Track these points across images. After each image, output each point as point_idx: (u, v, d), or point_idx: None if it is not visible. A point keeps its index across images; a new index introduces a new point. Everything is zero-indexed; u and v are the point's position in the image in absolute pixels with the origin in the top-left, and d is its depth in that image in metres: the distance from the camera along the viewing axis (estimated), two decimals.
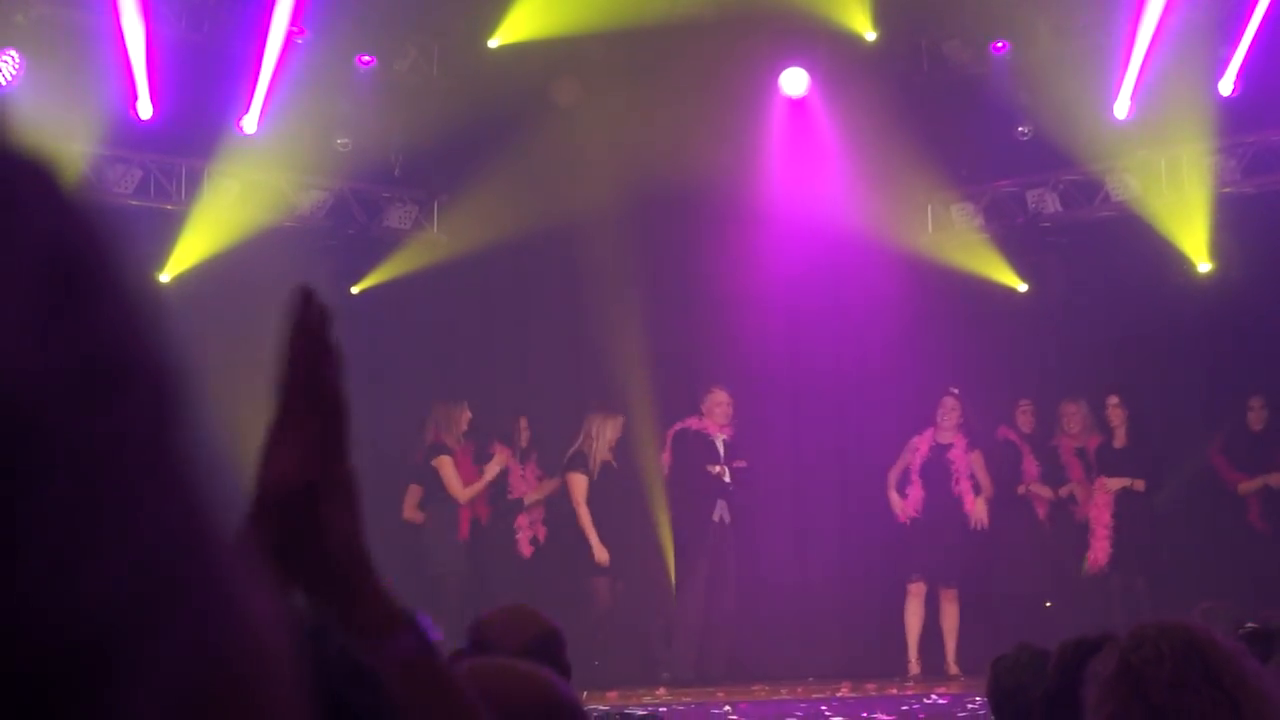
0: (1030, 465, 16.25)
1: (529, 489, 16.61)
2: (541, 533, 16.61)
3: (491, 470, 16.24)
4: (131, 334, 0.97)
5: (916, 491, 16.10)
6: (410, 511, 16.32)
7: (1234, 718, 3.08)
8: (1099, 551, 15.76)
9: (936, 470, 16.12)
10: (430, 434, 16.33)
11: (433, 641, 1.85)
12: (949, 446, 16.17)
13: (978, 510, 16.00)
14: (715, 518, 16.28)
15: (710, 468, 16.29)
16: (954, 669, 15.90)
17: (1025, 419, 16.41)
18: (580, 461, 16.28)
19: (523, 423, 16.66)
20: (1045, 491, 16.23)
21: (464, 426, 16.29)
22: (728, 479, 16.30)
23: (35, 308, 0.89)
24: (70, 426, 0.88)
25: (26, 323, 0.88)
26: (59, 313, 0.90)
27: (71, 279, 0.93)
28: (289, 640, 0.98)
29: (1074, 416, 16.14)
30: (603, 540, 16.10)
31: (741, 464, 16.41)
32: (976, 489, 16.05)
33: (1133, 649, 3.22)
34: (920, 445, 16.20)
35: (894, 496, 16.17)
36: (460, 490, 16.08)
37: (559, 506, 16.58)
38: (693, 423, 16.48)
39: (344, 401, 1.78)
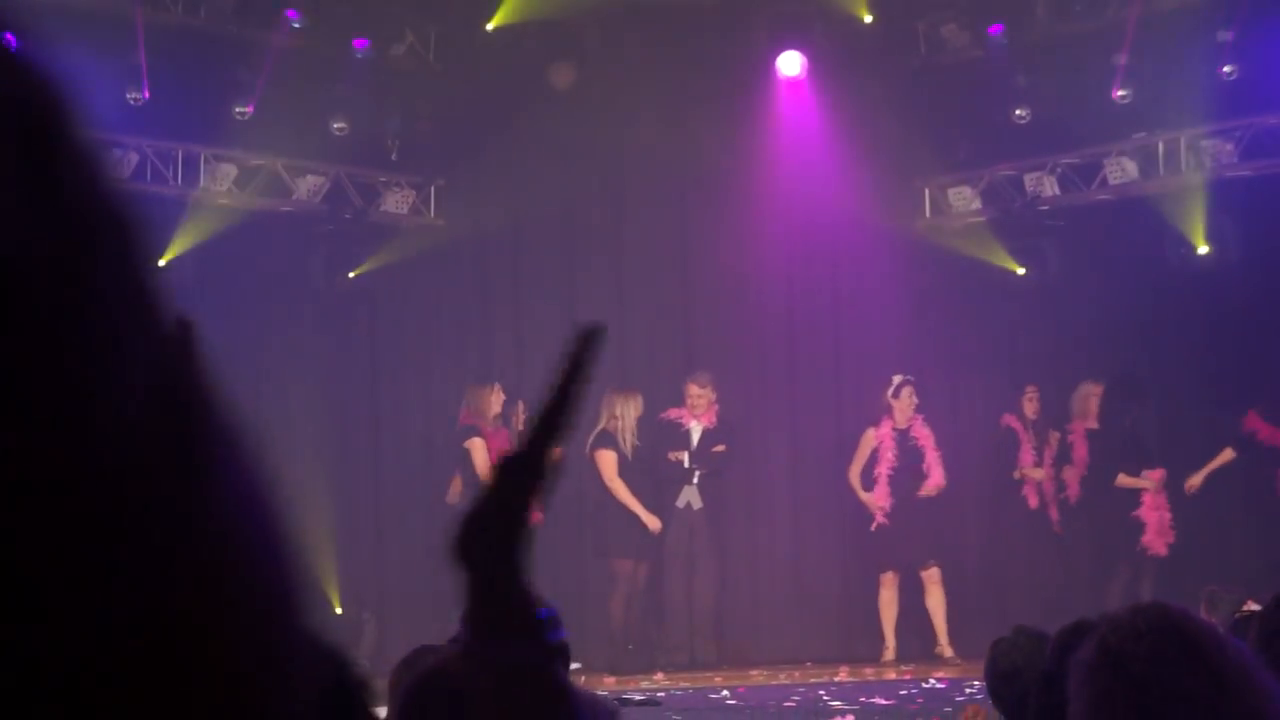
0: (1027, 452, 16.24)
1: None
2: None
3: None
4: (97, 189, 0.97)
5: (883, 486, 16.12)
6: (455, 496, 16.27)
7: (1214, 688, 3.07)
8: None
9: (902, 457, 16.15)
10: (462, 416, 16.23)
11: (552, 655, 1.82)
12: (908, 429, 16.19)
13: (935, 479, 16.06)
14: (681, 504, 16.26)
15: (672, 455, 16.26)
16: (948, 651, 15.91)
17: (1031, 405, 16.39)
18: (608, 440, 16.20)
19: (521, 406, 16.59)
20: (1038, 474, 16.22)
21: (496, 408, 16.15)
22: (688, 465, 16.26)
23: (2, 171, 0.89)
24: (48, 284, 0.87)
25: None
26: (26, 174, 0.91)
27: (34, 140, 0.95)
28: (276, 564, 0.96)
29: (1091, 399, 16.10)
30: (626, 522, 16.06)
31: (720, 449, 16.37)
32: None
33: (1110, 631, 3.22)
34: (881, 437, 16.19)
35: (865, 496, 16.18)
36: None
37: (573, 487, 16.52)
38: (671, 412, 16.45)
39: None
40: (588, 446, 16.21)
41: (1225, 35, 15.76)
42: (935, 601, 16.14)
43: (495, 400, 16.14)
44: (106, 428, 0.86)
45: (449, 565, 1.77)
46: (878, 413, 16.30)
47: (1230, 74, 15.69)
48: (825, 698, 13.36)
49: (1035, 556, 16.23)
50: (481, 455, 15.87)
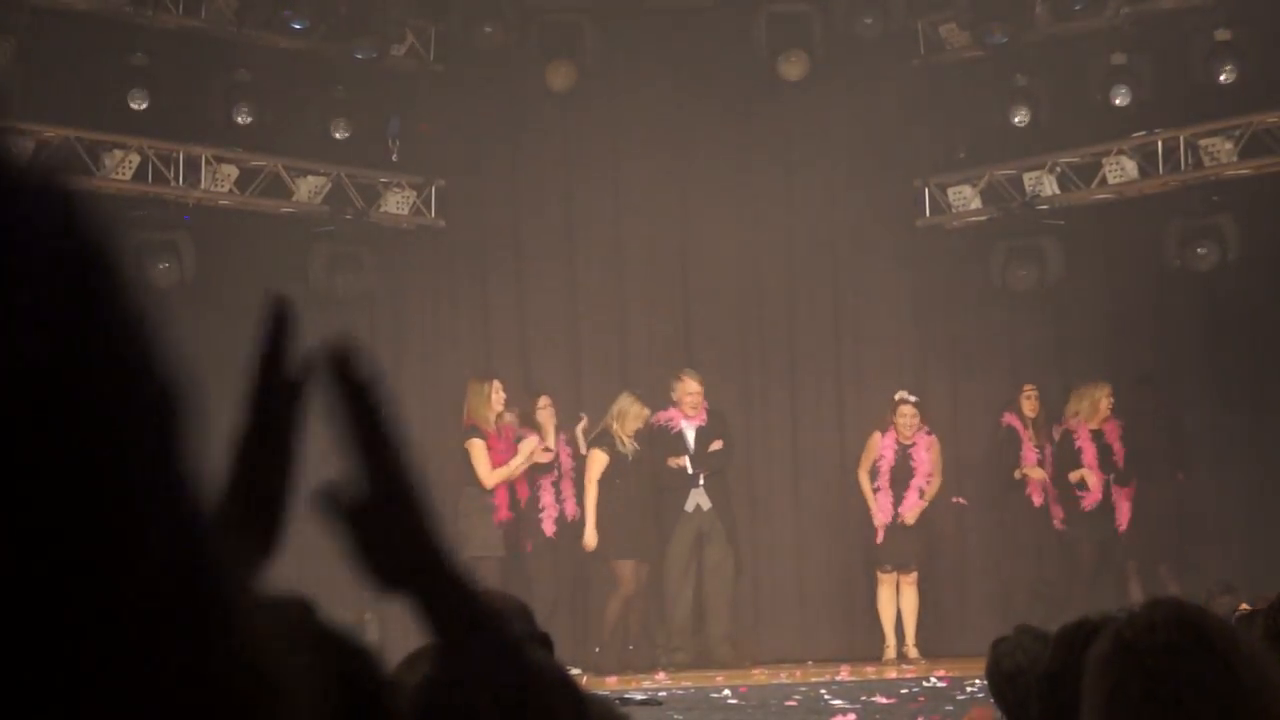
0: (1029, 451, 16.25)
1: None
2: (571, 509, 16.40)
3: (524, 452, 16.03)
4: (137, 339, 0.99)
5: (885, 495, 16.18)
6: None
7: (1228, 681, 3.09)
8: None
9: (898, 471, 16.20)
10: (465, 416, 16.25)
11: (515, 644, 1.81)
12: (911, 446, 16.24)
13: (909, 509, 16.12)
14: (690, 508, 16.26)
15: (673, 462, 16.24)
16: (913, 652, 16.07)
17: (1030, 404, 16.39)
18: (604, 439, 16.21)
19: (543, 401, 16.48)
20: (1038, 474, 16.24)
21: (498, 406, 16.09)
22: (691, 470, 16.26)
23: (45, 307, 0.91)
24: (70, 428, 0.90)
25: (38, 320, 0.90)
26: (68, 313, 0.92)
27: (80, 283, 0.95)
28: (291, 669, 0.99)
29: (1103, 400, 16.09)
30: (628, 524, 16.01)
31: (717, 445, 16.37)
32: (921, 492, 16.18)
33: (1126, 625, 3.24)
34: (885, 450, 16.23)
35: (870, 499, 16.19)
36: (488, 474, 15.84)
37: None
38: (661, 415, 16.42)
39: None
40: (586, 443, 16.25)
41: (1224, 34, 15.79)
42: (908, 604, 16.25)
43: (495, 399, 16.08)
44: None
45: (382, 597, 1.78)
46: (885, 418, 16.31)
47: (1229, 73, 15.71)
48: (826, 696, 13.37)
49: (1040, 555, 16.24)
50: (480, 456, 15.82)
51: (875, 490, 16.23)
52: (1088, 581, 15.80)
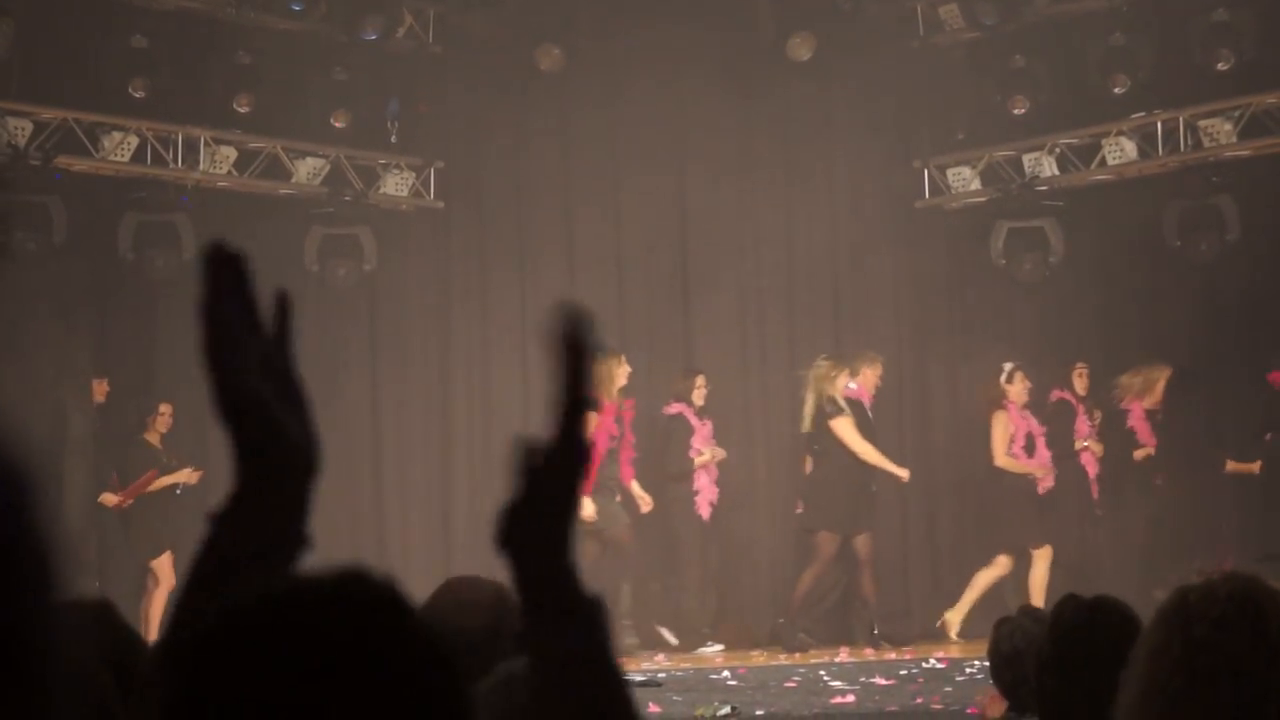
0: (1083, 424, 16.19)
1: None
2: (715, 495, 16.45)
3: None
4: None
5: (1041, 454, 16.11)
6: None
7: (1269, 666, 3.08)
8: None
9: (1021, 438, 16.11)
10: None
11: (605, 640, 1.81)
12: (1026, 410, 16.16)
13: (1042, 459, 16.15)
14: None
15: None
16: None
17: (1081, 381, 16.33)
18: (836, 407, 16.09)
19: (699, 380, 16.46)
20: (1099, 447, 16.17)
21: (621, 380, 16.05)
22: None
23: None
24: None
25: None
26: None
27: None
28: None
29: (1159, 381, 16.07)
30: (836, 496, 15.93)
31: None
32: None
33: (1194, 588, 3.24)
34: (1018, 423, 15.99)
35: (1029, 464, 15.99)
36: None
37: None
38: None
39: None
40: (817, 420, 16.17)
41: (1223, 15, 15.78)
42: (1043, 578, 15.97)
43: (620, 372, 16.07)
44: None
45: (497, 555, 1.80)
46: (996, 392, 16.09)
47: (1228, 54, 15.70)
48: (826, 678, 13.39)
49: (1083, 531, 16.15)
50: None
51: (1015, 458, 16.03)
52: (1136, 560, 15.68)
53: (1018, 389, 15.96)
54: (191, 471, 15.71)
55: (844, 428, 15.83)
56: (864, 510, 15.92)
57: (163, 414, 15.77)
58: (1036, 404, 16.18)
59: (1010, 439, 15.95)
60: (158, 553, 15.52)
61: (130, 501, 15.58)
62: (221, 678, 1.47)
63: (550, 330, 1.81)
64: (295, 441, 1.85)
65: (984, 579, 15.94)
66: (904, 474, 15.98)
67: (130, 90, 15.79)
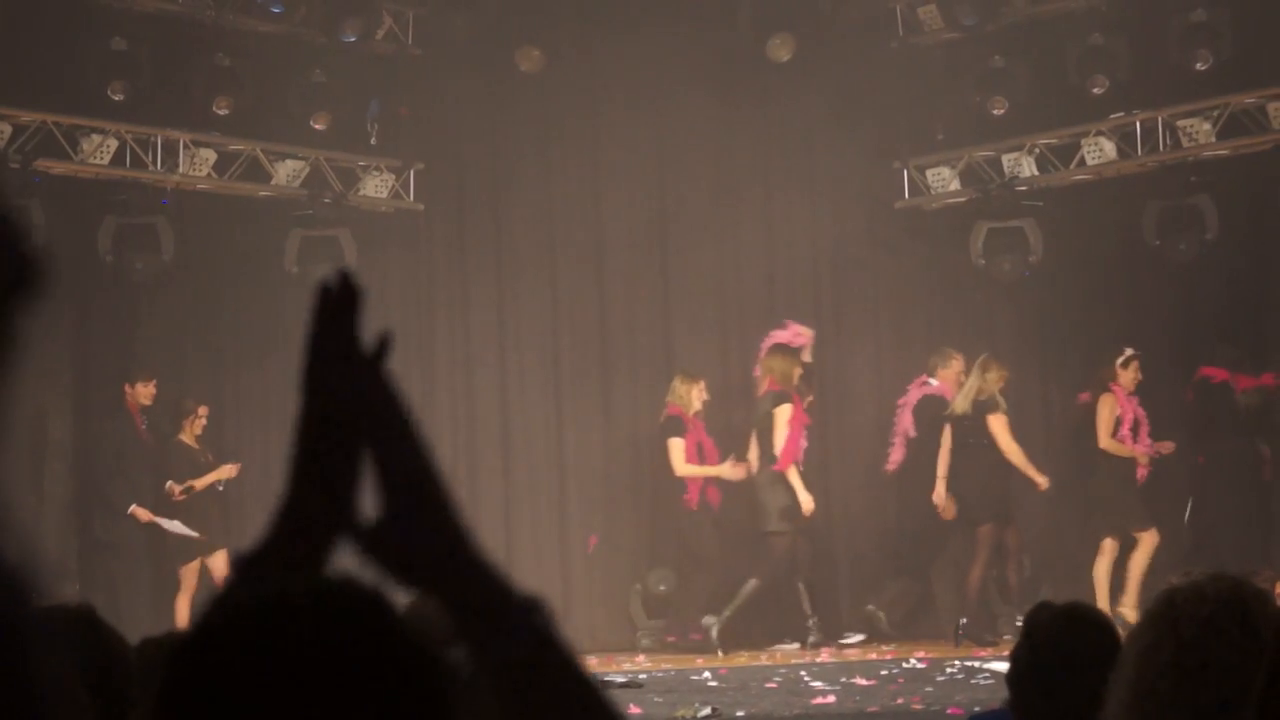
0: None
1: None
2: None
3: (720, 470, 16.18)
4: None
5: (1144, 441, 16.01)
6: (682, 468, 16.35)
7: (1256, 666, 3.09)
8: None
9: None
10: (767, 381, 16.14)
11: (551, 635, 1.79)
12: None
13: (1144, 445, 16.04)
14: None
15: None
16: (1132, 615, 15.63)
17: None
18: (992, 403, 16.06)
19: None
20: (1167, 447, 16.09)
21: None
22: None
23: None
24: None
25: None
26: None
27: None
28: None
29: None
30: (991, 487, 15.92)
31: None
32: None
33: (1181, 589, 3.25)
34: (1125, 407, 15.91)
35: (1135, 449, 15.84)
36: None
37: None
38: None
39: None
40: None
41: (1201, 15, 15.81)
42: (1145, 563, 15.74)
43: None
44: None
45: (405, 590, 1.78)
46: (1104, 376, 16.05)
47: (1206, 54, 15.74)
48: (807, 678, 13.40)
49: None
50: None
51: (1121, 440, 15.90)
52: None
53: (1130, 375, 15.95)
54: (230, 467, 15.97)
55: (1002, 425, 15.83)
56: (1012, 502, 15.99)
57: (200, 416, 15.90)
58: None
59: (1117, 422, 15.93)
60: (190, 558, 15.60)
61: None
62: (205, 685, 1.48)
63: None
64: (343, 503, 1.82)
65: (1102, 570, 15.87)
66: (1043, 481, 15.94)
67: (109, 93, 15.76)
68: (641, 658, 15.70)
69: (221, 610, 1.54)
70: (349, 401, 1.78)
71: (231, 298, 16.60)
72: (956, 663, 13.89)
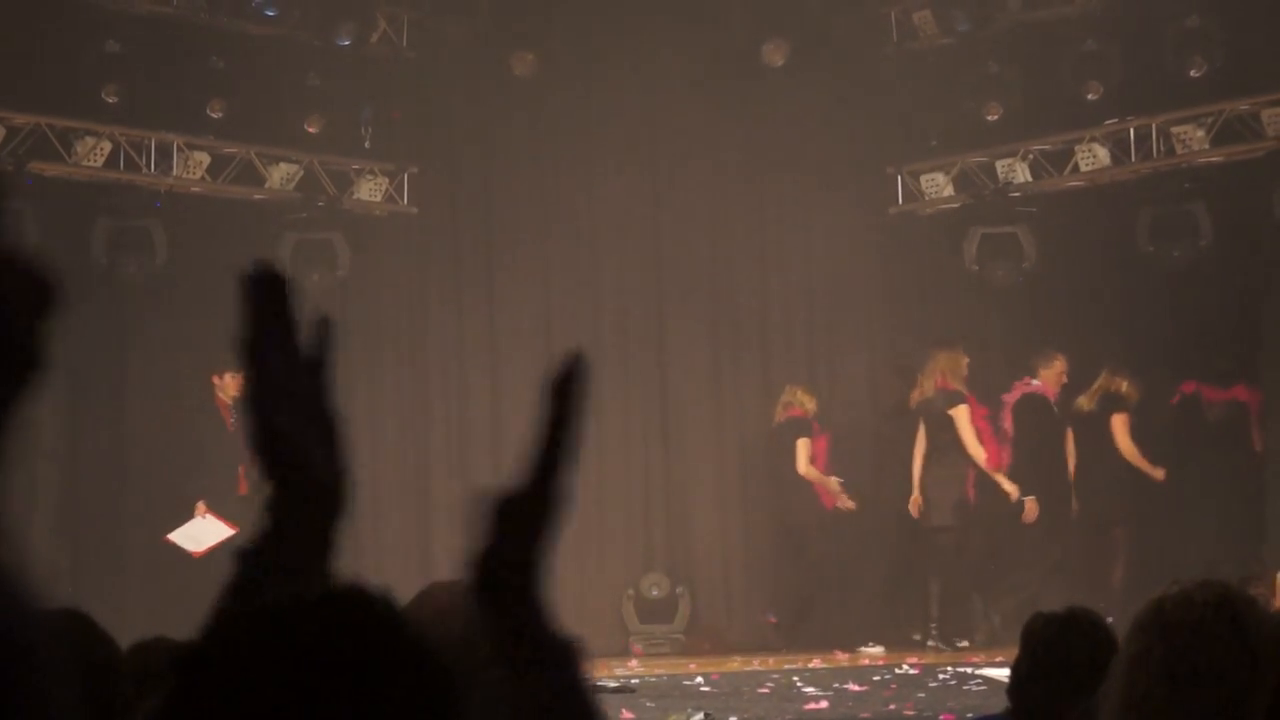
0: None
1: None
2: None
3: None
4: None
5: None
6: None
7: (1249, 672, 3.09)
8: None
9: None
10: (937, 380, 16.03)
11: (585, 682, 1.81)
12: None
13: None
14: None
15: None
16: None
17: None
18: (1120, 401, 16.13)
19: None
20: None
21: (964, 372, 16.06)
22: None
23: None
24: None
25: None
26: None
27: None
28: None
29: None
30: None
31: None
32: None
33: (1169, 597, 3.25)
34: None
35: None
36: (977, 448, 15.83)
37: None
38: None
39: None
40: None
41: (1195, 22, 15.81)
42: None
43: (963, 364, 16.02)
44: None
45: (473, 605, 1.79)
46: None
47: (1200, 61, 15.74)
48: (799, 684, 13.39)
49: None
50: (967, 423, 15.78)
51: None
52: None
53: (1053, 375, 16.10)
54: None
55: (1124, 425, 15.83)
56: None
57: None
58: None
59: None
60: None
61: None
62: (212, 695, 1.47)
63: (548, 376, 1.80)
64: (324, 482, 1.84)
65: None
66: (1159, 475, 15.83)
67: (103, 95, 15.75)
68: (634, 662, 15.68)
69: (229, 618, 1.54)
70: (289, 390, 1.80)
71: (225, 301, 16.54)
72: (949, 669, 13.87)
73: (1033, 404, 16.20)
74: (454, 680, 1.54)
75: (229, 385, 15.61)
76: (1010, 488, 15.73)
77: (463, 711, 1.54)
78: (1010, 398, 16.34)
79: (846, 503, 16.38)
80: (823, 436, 16.49)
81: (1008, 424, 16.27)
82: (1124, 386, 15.81)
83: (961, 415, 15.78)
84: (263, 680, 1.46)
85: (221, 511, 15.26)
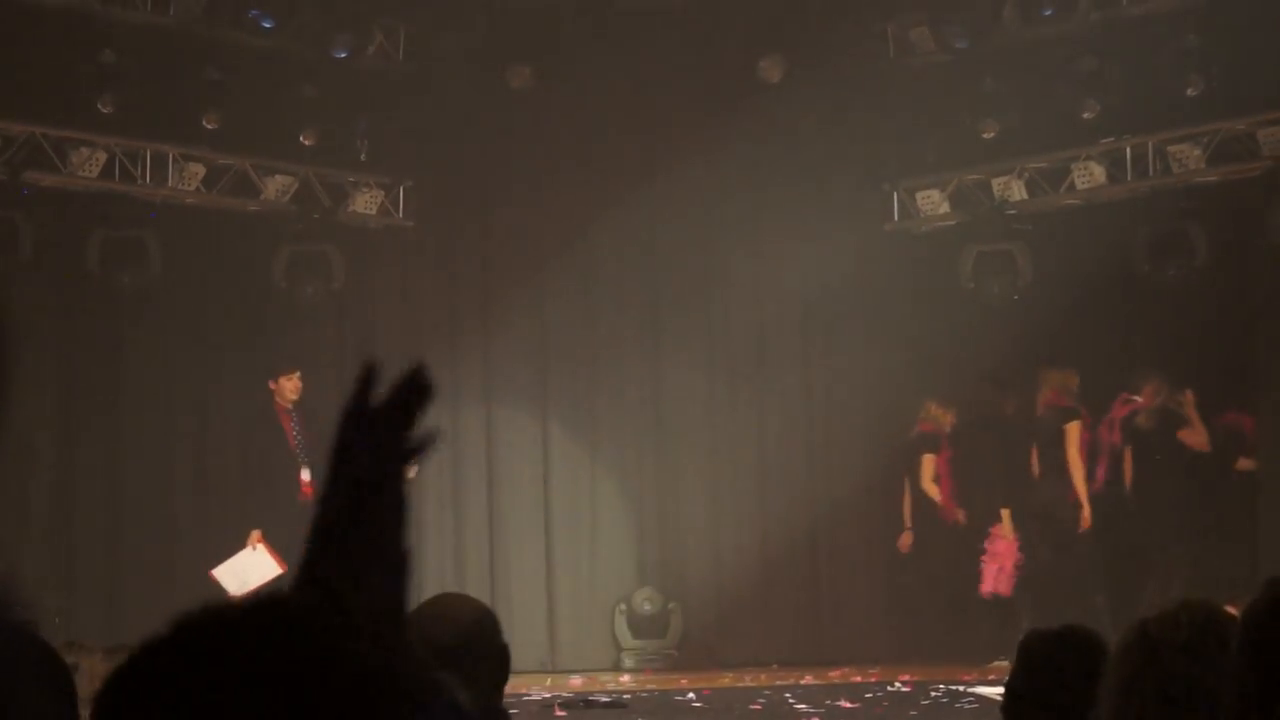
0: None
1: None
2: None
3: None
4: None
5: None
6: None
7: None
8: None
9: None
10: (1049, 396, 15.89)
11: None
12: None
13: None
14: None
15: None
16: None
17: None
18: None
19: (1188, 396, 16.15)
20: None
21: (1075, 392, 15.93)
22: None
23: None
24: None
25: None
26: None
27: None
28: None
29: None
30: None
31: None
32: None
33: (1153, 619, 3.24)
34: None
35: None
36: (1078, 463, 15.63)
37: None
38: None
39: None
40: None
41: (1193, 41, 15.82)
42: None
43: (1074, 383, 15.90)
44: None
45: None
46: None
47: (1197, 80, 15.74)
48: (791, 701, 13.38)
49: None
50: (1076, 439, 15.62)
51: None
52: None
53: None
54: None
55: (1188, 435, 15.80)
56: None
57: None
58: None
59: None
60: None
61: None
62: (136, 706, 1.47)
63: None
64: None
65: None
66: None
67: (99, 106, 15.72)
68: (626, 678, 15.66)
69: (157, 635, 1.54)
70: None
71: (219, 312, 16.56)
72: (941, 686, 13.86)
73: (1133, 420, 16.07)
74: (389, 691, 1.53)
75: (285, 389, 15.43)
76: (1086, 512, 15.62)
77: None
78: (1114, 416, 16.14)
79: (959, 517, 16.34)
80: (945, 454, 16.43)
81: (1117, 438, 16.11)
82: (1180, 403, 15.77)
83: (1074, 431, 15.65)
84: (189, 688, 1.46)
85: (239, 525, 15.03)
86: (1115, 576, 15.42)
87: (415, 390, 1.80)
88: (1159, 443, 15.65)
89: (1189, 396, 15.61)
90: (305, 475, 15.10)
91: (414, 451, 1.80)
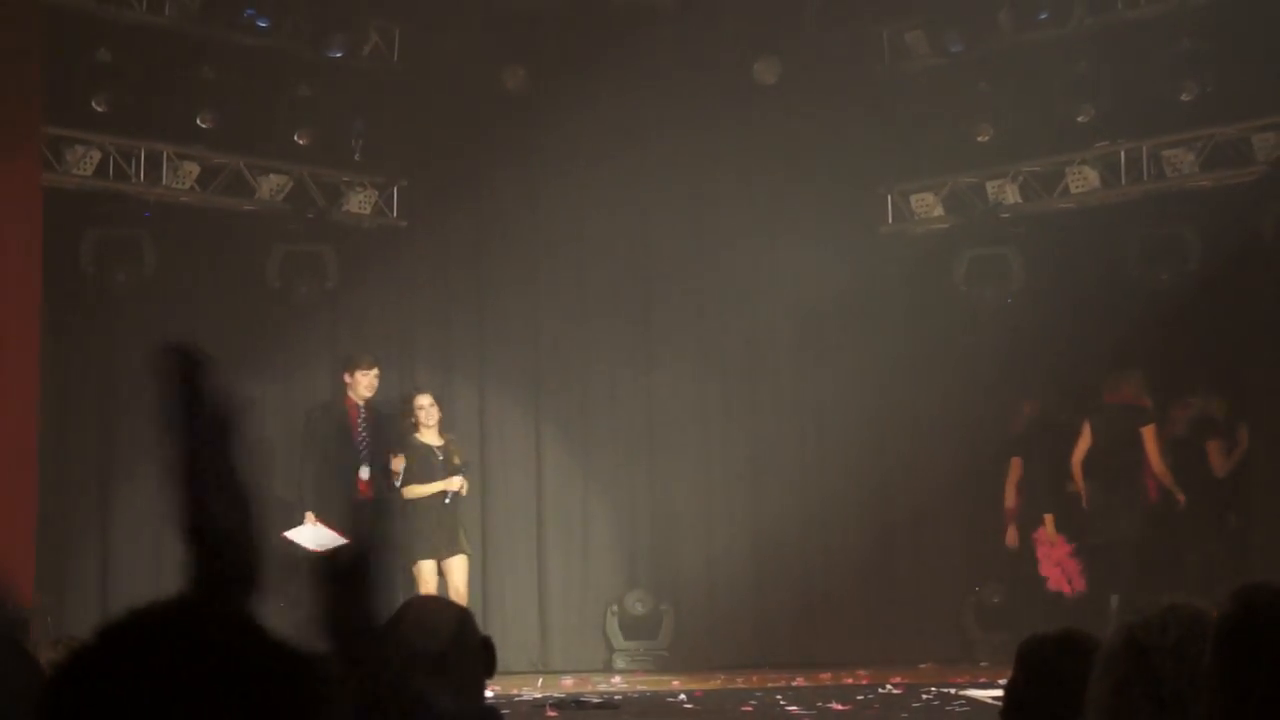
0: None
1: None
2: None
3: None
4: None
5: None
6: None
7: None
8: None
9: None
10: (1125, 396, 15.63)
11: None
12: None
13: None
14: None
15: None
16: None
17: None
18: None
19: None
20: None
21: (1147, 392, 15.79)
22: None
23: None
24: None
25: None
26: None
27: None
28: None
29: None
30: None
31: None
32: None
33: (1139, 624, 3.24)
34: None
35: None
36: (1159, 462, 15.39)
37: None
38: None
39: None
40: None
41: (1187, 46, 15.83)
42: None
43: (1140, 385, 15.71)
44: None
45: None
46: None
47: (1191, 85, 15.76)
48: (782, 702, 13.38)
49: None
50: (1154, 443, 15.42)
51: None
52: None
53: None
54: (462, 480, 15.20)
55: (1215, 449, 15.80)
56: None
57: (423, 406, 15.31)
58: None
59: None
60: (414, 559, 14.91)
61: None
62: (72, 705, 1.51)
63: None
64: (244, 563, 1.91)
65: None
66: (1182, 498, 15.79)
67: (93, 105, 15.71)
68: (617, 679, 15.66)
69: (86, 641, 1.60)
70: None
71: (213, 312, 16.54)
72: (933, 689, 13.87)
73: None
74: (316, 678, 1.58)
75: (360, 384, 15.36)
76: (1180, 496, 15.56)
77: (324, 708, 1.58)
78: (1182, 414, 16.09)
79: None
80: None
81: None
82: (1217, 409, 15.78)
83: (1151, 433, 15.54)
84: (123, 687, 1.51)
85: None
86: (1144, 580, 15.38)
87: (183, 365, 1.93)
88: (1192, 450, 15.71)
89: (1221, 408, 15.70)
90: (364, 473, 15.09)
91: (226, 413, 1.95)
